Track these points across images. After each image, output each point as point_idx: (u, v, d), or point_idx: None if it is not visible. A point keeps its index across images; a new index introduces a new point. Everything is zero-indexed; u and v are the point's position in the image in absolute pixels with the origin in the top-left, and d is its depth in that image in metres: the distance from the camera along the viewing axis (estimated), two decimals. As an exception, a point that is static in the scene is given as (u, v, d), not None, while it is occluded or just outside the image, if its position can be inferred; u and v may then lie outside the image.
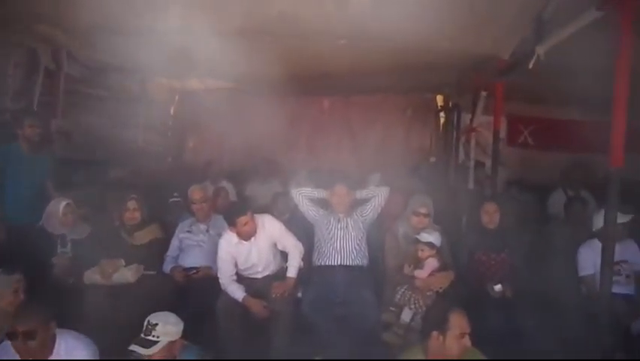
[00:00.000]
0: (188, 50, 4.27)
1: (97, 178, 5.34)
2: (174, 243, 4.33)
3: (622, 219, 3.61)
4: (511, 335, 3.34)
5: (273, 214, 4.51)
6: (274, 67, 4.75)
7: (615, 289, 3.41)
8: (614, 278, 3.52)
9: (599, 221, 3.45)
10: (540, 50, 3.53)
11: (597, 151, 3.02)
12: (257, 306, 3.69)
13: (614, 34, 2.63)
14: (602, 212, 2.87)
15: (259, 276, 3.97)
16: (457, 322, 2.46)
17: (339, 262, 3.96)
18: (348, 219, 4.10)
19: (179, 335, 2.67)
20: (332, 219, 4.12)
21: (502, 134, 6.99)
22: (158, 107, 6.93)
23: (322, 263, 4.02)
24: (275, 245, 3.99)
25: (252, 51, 4.62)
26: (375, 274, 4.13)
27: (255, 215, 3.90)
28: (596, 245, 3.31)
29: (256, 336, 3.74)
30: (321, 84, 6.24)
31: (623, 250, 3.71)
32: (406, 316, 3.42)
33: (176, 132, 7.52)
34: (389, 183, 4.55)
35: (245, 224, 3.72)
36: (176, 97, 7.37)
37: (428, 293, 3.44)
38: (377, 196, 4.19)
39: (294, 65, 4.86)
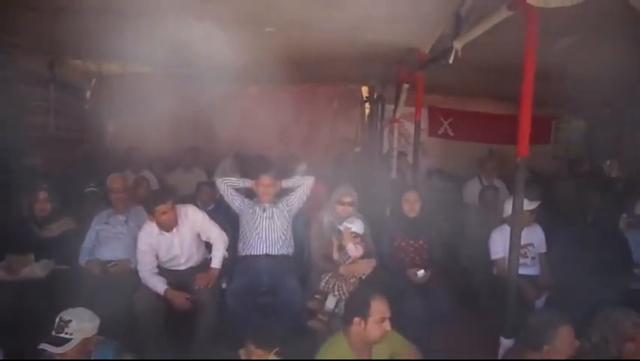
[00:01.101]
0: (105, 31, 4.04)
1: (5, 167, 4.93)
2: (90, 235, 4.10)
3: (529, 206, 3.90)
4: (429, 318, 3.50)
5: (196, 204, 4.42)
6: (195, 52, 4.60)
7: (522, 271, 3.69)
8: (522, 261, 3.81)
9: (508, 208, 3.68)
10: (458, 45, 3.67)
11: (510, 142, 3.24)
12: (179, 298, 3.60)
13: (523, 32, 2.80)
14: (512, 199, 3.06)
15: (182, 268, 3.87)
16: (378, 307, 2.53)
17: (264, 252, 3.95)
18: (274, 209, 4.10)
19: (95, 331, 2.55)
20: (257, 209, 4.09)
21: (424, 125, 7.34)
22: (73, 91, 6.50)
23: (247, 253, 3.98)
24: (198, 236, 3.90)
25: (175, 35, 4.47)
26: (301, 263, 4.17)
27: (177, 205, 3.80)
28: (506, 230, 3.52)
29: (179, 329, 3.65)
30: (248, 72, 6.14)
31: (530, 235, 4.01)
32: (330, 303, 3.48)
33: (94, 118, 7.09)
34: (315, 172, 4.59)
35: (163, 213, 3.60)
36: (93, 81, 6.95)
37: (352, 280, 3.51)
38: (302, 186, 4.20)
39: (217, 52, 4.74)
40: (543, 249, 4.07)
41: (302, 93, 7.35)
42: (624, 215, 4.59)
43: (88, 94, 6.99)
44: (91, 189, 4.84)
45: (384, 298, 2.58)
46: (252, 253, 3.97)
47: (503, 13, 2.94)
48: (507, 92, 4.12)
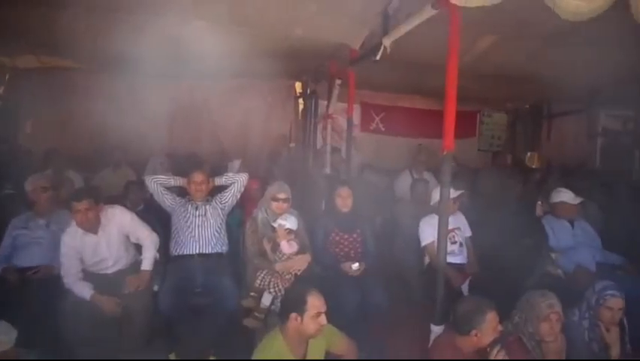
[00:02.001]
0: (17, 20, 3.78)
1: None
2: (6, 241, 3.82)
3: (453, 194, 4.08)
4: (364, 309, 3.58)
5: (125, 205, 4.24)
6: (121, 45, 4.41)
7: (450, 259, 3.87)
8: (451, 248, 3.99)
9: (436, 196, 3.84)
10: (386, 42, 3.76)
11: (438, 137, 3.38)
12: (108, 304, 3.44)
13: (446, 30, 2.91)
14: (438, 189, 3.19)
15: (110, 271, 3.70)
16: (314, 302, 2.55)
17: (197, 251, 3.86)
18: (207, 207, 4.01)
19: (12, 344, 2.39)
20: (190, 207, 3.99)
21: (356, 120, 7.47)
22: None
23: (180, 253, 3.87)
24: (127, 237, 3.75)
25: (97, 27, 4.25)
26: (236, 261, 4.12)
27: (105, 206, 3.65)
28: (434, 218, 3.61)
29: (108, 336, 3.49)
30: (178, 67, 5.96)
31: (456, 221, 4.20)
32: (266, 300, 3.47)
33: (8, 116, 6.60)
34: (249, 169, 4.54)
35: (77, 211, 3.43)
36: (6, 76, 6.46)
37: (287, 276, 3.52)
38: (236, 183, 4.14)
39: (144, 45, 4.56)
40: (468, 233, 4.28)
41: (235, 88, 7.23)
42: (539, 202, 4.92)
43: (1, 90, 6.50)
44: (7, 191, 4.52)
45: (320, 293, 2.61)
46: (185, 253, 3.86)
47: (428, 12, 3.04)
48: (434, 88, 4.27)
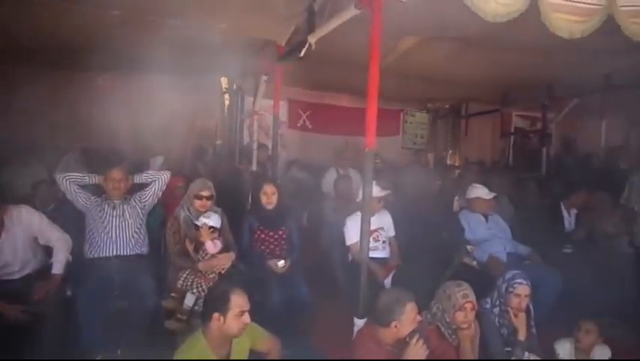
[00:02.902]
0: None
1: None
2: None
3: (379, 193, 4.19)
4: (290, 306, 3.58)
5: (34, 205, 3.95)
6: (32, 35, 4.10)
7: (374, 255, 3.97)
8: (374, 245, 4.10)
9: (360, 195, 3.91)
10: (312, 39, 3.78)
11: (364, 135, 3.44)
12: (12, 311, 3.18)
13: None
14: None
15: (16, 276, 3.42)
16: (237, 301, 2.51)
17: (114, 253, 3.67)
18: (125, 206, 3.82)
19: None
20: (106, 207, 3.78)
21: (284, 117, 7.45)
22: None
23: (95, 255, 3.66)
24: (35, 240, 3.49)
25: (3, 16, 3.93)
26: (158, 261, 3.97)
27: (9, 206, 3.38)
28: (360, 217, 3.69)
29: (16, 346, 3.23)
30: (95, 59, 5.63)
31: (381, 220, 4.30)
32: (189, 301, 3.37)
33: None
34: (172, 166, 4.39)
35: None
36: None
37: (211, 276, 3.44)
38: (157, 180, 3.98)
39: (57, 35, 4.28)
40: (392, 232, 4.40)
41: (158, 83, 6.95)
42: (456, 198, 5.17)
43: None
44: None
45: (243, 292, 2.57)
46: (101, 255, 3.66)
47: (351, 12, 3.09)
48: (360, 86, 4.36)
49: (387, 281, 3.96)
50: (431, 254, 4.16)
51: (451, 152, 8.93)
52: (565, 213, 4.91)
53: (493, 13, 2.60)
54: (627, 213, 4.59)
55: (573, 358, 3.17)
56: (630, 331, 3.95)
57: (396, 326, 2.63)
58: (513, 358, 3.02)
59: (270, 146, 5.88)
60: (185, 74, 6.90)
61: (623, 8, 2.75)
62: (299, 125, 7.87)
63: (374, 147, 2.99)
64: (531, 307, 3.24)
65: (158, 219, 4.28)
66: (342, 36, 3.71)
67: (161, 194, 4.03)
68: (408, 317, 2.65)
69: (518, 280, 3.13)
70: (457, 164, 8.54)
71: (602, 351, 3.16)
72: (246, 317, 2.53)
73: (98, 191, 3.93)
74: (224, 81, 7.41)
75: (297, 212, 4.58)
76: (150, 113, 6.78)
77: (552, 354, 3.22)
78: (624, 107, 7.69)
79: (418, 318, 2.70)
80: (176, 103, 7.16)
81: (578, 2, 2.70)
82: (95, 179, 3.90)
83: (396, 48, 4.75)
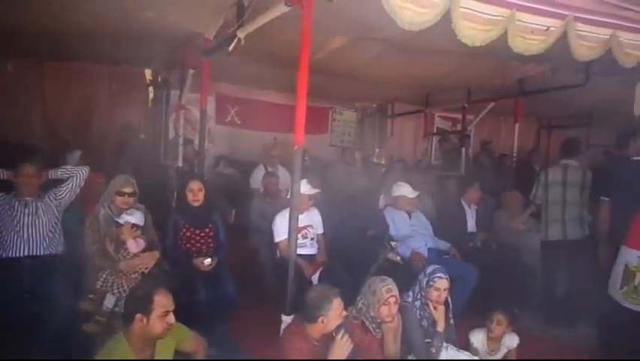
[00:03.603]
0: None
1: None
2: None
3: (309, 191, 4.23)
4: (216, 305, 3.53)
5: None
6: None
7: (302, 251, 4.01)
8: (303, 241, 4.13)
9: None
10: (241, 34, 3.72)
11: (293, 131, 3.45)
12: None
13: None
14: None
15: None
16: (161, 301, 2.43)
17: (25, 253, 3.42)
18: (39, 203, 3.57)
19: None
20: (17, 204, 3.52)
21: (211, 112, 7.30)
22: None
23: (4, 255, 3.40)
24: None
25: None
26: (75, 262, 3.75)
27: None
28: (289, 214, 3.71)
29: None
30: (2, 44, 5.20)
31: (310, 217, 4.34)
32: (109, 302, 3.22)
33: None
34: (91, 161, 4.16)
35: None
36: None
37: (133, 276, 3.31)
38: (75, 176, 3.76)
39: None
40: (321, 230, 4.45)
41: (73, 72, 6.55)
42: (382, 196, 5.33)
43: None
44: None
45: (167, 291, 2.50)
46: (10, 256, 3.40)
47: (281, 9, 3.09)
48: (289, 83, 4.37)
49: (315, 278, 4.00)
50: (357, 250, 4.26)
51: (377, 150, 9.17)
52: (466, 207, 5.15)
53: (409, 21, 2.71)
54: (536, 210, 4.94)
55: (485, 347, 3.38)
56: (537, 319, 4.30)
57: (323, 321, 2.68)
58: (432, 349, 3.17)
59: (196, 141, 5.73)
60: (105, 64, 6.57)
61: (518, 23, 2.97)
62: (227, 120, 7.73)
63: (303, 144, 3.01)
64: (449, 300, 3.41)
65: (76, 216, 4.05)
66: (272, 32, 3.69)
67: (79, 190, 3.81)
68: (335, 312, 2.70)
69: (438, 275, 3.28)
70: (383, 162, 8.79)
71: (511, 339, 3.40)
72: (170, 318, 2.46)
73: (7, 187, 3.65)
74: (148, 73, 7.12)
75: (224, 209, 4.51)
76: (66, 104, 6.40)
77: (468, 344, 3.42)
78: (535, 112, 8.32)
79: (344, 313, 2.77)
80: (95, 94, 6.82)
81: (483, 13, 2.88)
82: (3, 174, 3.62)
83: (325, 46, 4.80)
